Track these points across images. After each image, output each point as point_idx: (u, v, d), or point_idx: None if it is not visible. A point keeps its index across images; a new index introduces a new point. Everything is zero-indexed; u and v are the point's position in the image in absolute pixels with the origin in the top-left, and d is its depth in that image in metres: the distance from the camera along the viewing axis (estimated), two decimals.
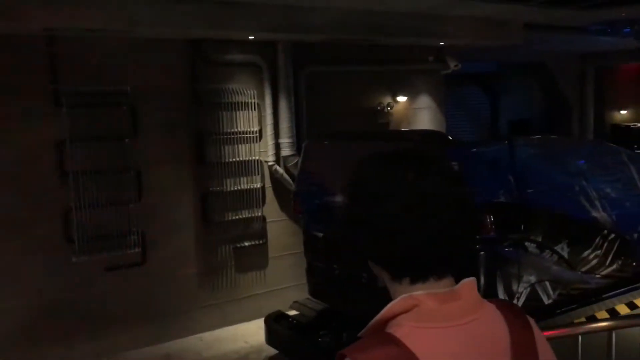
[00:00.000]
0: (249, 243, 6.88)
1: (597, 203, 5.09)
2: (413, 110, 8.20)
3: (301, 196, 5.86)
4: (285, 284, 7.05)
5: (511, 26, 7.41)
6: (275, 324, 5.66)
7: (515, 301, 4.53)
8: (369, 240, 1.13)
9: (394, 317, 1.09)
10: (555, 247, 4.78)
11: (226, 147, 6.65)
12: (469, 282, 1.14)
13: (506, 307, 1.19)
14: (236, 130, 6.72)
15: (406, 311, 1.08)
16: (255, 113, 6.82)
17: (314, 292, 5.80)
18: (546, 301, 4.76)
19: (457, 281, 1.14)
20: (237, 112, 6.72)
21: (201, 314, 6.52)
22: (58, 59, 5.65)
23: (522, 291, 4.63)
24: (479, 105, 11.23)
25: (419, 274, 1.12)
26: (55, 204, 5.69)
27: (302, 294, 6.86)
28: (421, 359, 1.03)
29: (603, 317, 4.80)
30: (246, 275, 6.91)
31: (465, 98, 10.73)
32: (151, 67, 6.18)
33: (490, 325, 1.13)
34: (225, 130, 6.63)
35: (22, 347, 5.54)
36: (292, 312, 5.89)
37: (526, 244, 4.64)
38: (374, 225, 1.11)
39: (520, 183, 4.62)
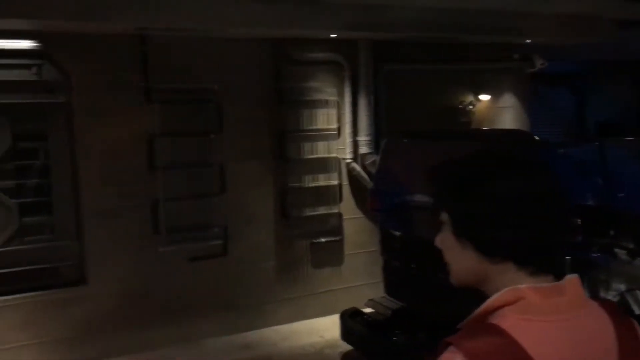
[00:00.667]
0: (325, 239, 6.96)
1: None
2: (496, 110, 8.00)
3: (378, 194, 5.87)
4: (360, 281, 7.07)
5: (603, 23, 7.08)
6: (351, 320, 5.69)
7: None
8: (477, 228, 1.17)
9: (497, 309, 1.10)
10: None
11: (305, 144, 6.76)
12: (574, 278, 1.14)
13: (610, 307, 1.18)
14: (315, 127, 6.81)
15: (510, 303, 1.10)
16: (334, 111, 6.89)
17: (390, 290, 5.79)
18: (637, 311, 4.52)
19: (558, 278, 1.15)
20: (317, 110, 6.81)
21: (278, 306, 6.66)
22: (149, 57, 5.93)
23: (610, 299, 4.37)
24: (566, 106, 10.79)
25: (522, 260, 1.15)
26: (144, 196, 5.98)
27: (377, 292, 6.85)
28: (527, 350, 1.04)
29: None
30: (322, 270, 7.00)
31: (551, 98, 10.33)
32: (236, 66, 6.36)
33: (595, 322, 1.13)
34: (305, 128, 6.74)
35: (108, 331, 5.86)
36: (368, 310, 5.91)
37: (616, 250, 4.46)
38: (484, 214, 1.15)
39: (611, 186, 4.47)
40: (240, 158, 6.41)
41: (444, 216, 1.24)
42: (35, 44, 5.51)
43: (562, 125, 10.46)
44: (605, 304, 1.18)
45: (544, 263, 1.14)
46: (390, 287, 5.77)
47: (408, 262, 5.38)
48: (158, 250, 5.98)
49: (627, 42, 7.70)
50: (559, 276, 1.14)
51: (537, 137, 4.99)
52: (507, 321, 1.08)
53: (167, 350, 5.96)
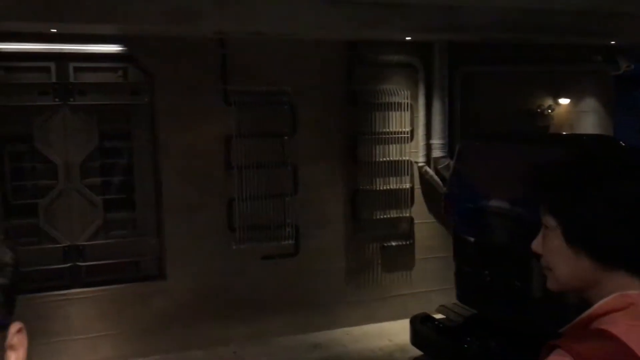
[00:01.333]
0: (396, 243, 6.92)
1: None
2: (576, 114, 7.71)
3: (453, 199, 5.78)
4: (430, 287, 6.98)
5: None
6: (421, 325, 5.64)
7: None
8: (590, 231, 1.15)
9: (604, 314, 1.08)
10: None
11: (377, 147, 6.75)
12: None
13: None
14: (388, 130, 6.79)
15: (620, 309, 1.07)
16: (407, 114, 6.84)
17: (462, 297, 5.69)
18: None
19: None
20: (390, 113, 6.79)
21: (348, 308, 6.68)
22: (228, 61, 6.11)
23: None
24: None
25: (635, 266, 1.13)
26: (221, 194, 6.16)
27: (447, 298, 6.73)
28: None
29: None
30: (392, 274, 6.96)
31: (638, 102, 9.85)
32: (309, 68, 6.45)
33: None
34: (377, 130, 6.73)
35: (182, 324, 6.06)
36: (439, 316, 5.83)
37: None
38: (598, 216, 1.14)
39: None
40: (312, 159, 6.49)
41: (550, 221, 1.20)
42: (121, 48, 5.81)
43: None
44: None
45: None
46: (462, 294, 5.67)
47: (481, 269, 5.26)
48: (232, 247, 6.14)
49: None
50: None
51: (622, 143, 4.77)
52: (617, 327, 1.05)
53: (238, 346, 6.11)
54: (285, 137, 6.32)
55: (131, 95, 6.11)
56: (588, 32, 6.45)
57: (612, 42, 7.14)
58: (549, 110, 7.47)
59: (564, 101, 7.56)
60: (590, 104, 7.76)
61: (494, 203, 4.99)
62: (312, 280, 6.55)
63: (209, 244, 6.15)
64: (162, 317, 6.01)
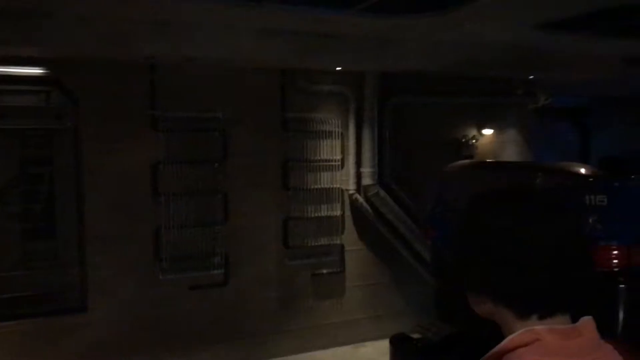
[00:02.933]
0: (327, 270, 6.93)
1: None
2: (499, 144, 8.03)
3: (434, 222, 5.93)
4: (361, 314, 7.03)
5: (608, 60, 7.15)
6: (401, 345, 5.71)
7: None
8: (498, 280, 1.15)
9: (513, 349, 1.10)
10: None
11: (309, 174, 6.78)
12: (589, 320, 1.14)
13: (622, 350, 1.17)
14: (320, 158, 6.84)
15: (526, 345, 1.09)
16: (338, 142, 6.92)
17: (442, 315, 5.82)
18: None
19: (574, 318, 1.14)
20: (322, 141, 6.85)
21: (280, 338, 6.60)
22: (157, 85, 6.00)
23: (624, 342, 4.43)
24: (571, 140, 10.82)
25: (547, 312, 1.13)
26: (148, 223, 5.98)
27: (378, 326, 6.82)
28: None
29: None
30: (323, 302, 6.95)
31: (555, 133, 10.38)
32: (242, 95, 6.42)
33: None
34: (309, 158, 6.77)
35: (110, 358, 5.81)
36: (416, 335, 5.91)
37: None
38: (508, 264, 1.13)
39: None
40: (244, 187, 6.43)
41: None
42: (44, 71, 5.59)
43: (567, 160, 10.45)
44: (619, 347, 1.18)
45: (556, 306, 1.13)
46: (442, 313, 5.80)
47: (462, 288, 5.45)
48: (159, 277, 5.96)
49: (631, 79, 7.75)
50: (579, 314, 1.14)
51: (597, 170, 5.03)
52: None
53: None
54: (216, 164, 6.24)
55: (55, 119, 5.87)
56: (511, 66, 6.78)
57: (531, 77, 7.52)
58: (473, 141, 7.76)
59: (488, 132, 7.87)
60: (511, 134, 8.12)
61: None
62: (243, 310, 6.44)
63: (135, 274, 5.94)
64: (85, 352, 5.73)
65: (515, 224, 1.14)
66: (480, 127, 7.84)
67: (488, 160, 6.47)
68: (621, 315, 4.35)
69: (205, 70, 6.14)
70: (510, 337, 1.12)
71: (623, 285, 4.33)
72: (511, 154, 8.04)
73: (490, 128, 7.89)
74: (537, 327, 1.10)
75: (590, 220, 4.40)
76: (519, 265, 1.12)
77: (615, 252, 4.36)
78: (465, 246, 1.21)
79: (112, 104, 5.84)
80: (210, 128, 6.22)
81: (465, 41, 6.21)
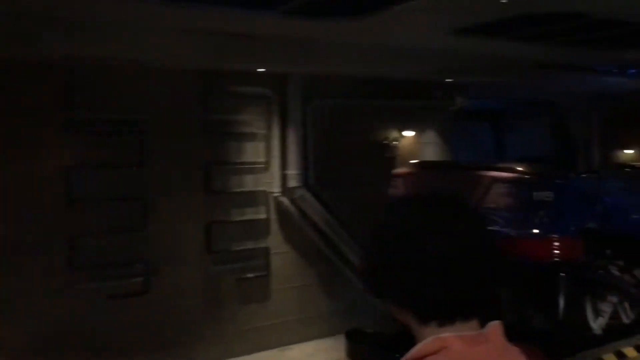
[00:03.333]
0: (253, 274, 6.84)
1: None
2: (420, 145, 8.22)
3: None
4: (287, 317, 6.99)
5: (520, 65, 7.46)
6: (357, 338, 5.73)
7: (601, 320, 5.08)
8: (401, 284, 1.14)
9: (421, 358, 1.09)
10: (634, 272, 5.30)
11: (233, 177, 6.67)
12: (496, 325, 1.14)
13: (530, 352, 1.19)
14: (243, 160, 6.75)
15: (433, 353, 1.08)
16: (262, 144, 6.86)
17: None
18: (625, 320, 5.20)
19: (483, 323, 1.14)
20: (245, 143, 6.77)
21: (203, 345, 6.45)
22: (72, 87, 5.72)
23: (606, 310, 5.13)
24: (486, 142, 11.24)
25: (446, 318, 1.13)
26: (62, 231, 5.68)
27: (306, 327, 6.81)
28: None
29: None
30: (249, 307, 6.85)
31: (472, 134, 10.75)
32: (163, 97, 6.24)
33: None
34: (232, 161, 6.66)
35: None
36: (369, 330, 5.94)
37: (610, 267, 5.13)
38: (407, 268, 1.12)
39: (607, 211, 5.15)
40: (164, 191, 6.24)
41: None
42: None
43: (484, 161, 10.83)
44: (526, 349, 1.19)
45: (454, 313, 1.13)
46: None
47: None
48: (75, 287, 5.67)
49: (543, 82, 8.14)
50: (487, 318, 1.15)
51: (546, 169, 5.46)
52: None
53: None
54: (135, 168, 6.01)
55: None
56: (429, 70, 6.95)
57: (450, 80, 7.74)
58: (396, 142, 7.90)
59: (408, 134, 8.04)
60: (431, 136, 8.33)
61: None
62: (165, 318, 6.24)
63: (49, 285, 5.63)
64: None
65: (414, 231, 1.14)
66: (402, 129, 7.99)
67: (441, 161, 6.79)
68: (562, 301, 4.83)
69: (123, 71, 5.91)
70: (418, 345, 1.12)
71: (564, 274, 4.83)
72: (432, 154, 8.24)
73: (412, 130, 8.06)
74: (445, 335, 1.10)
75: (538, 215, 4.86)
76: (414, 272, 1.11)
77: (558, 243, 4.83)
78: (371, 250, 1.20)
79: (23, 106, 5.51)
80: (128, 131, 6.00)
81: (386, 45, 6.31)
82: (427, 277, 1.10)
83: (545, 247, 4.87)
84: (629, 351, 4.84)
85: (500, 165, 6.31)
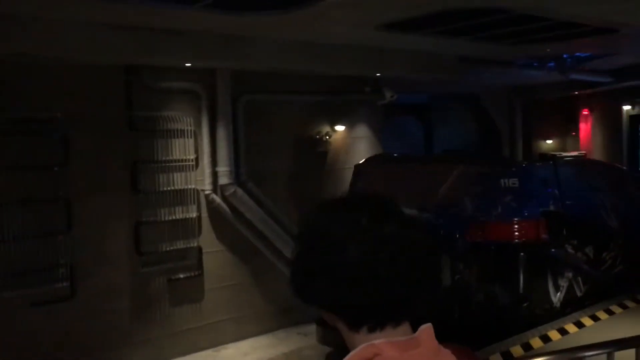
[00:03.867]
0: (184, 275, 6.69)
1: (611, 214, 6.30)
2: (351, 139, 8.29)
3: None
4: (221, 316, 6.89)
5: (444, 59, 7.65)
6: (327, 324, 5.70)
7: (559, 294, 5.52)
8: (324, 289, 1.10)
9: None
10: (585, 249, 5.87)
11: (161, 176, 6.50)
12: (427, 329, 1.13)
13: (461, 353, 1.19)
14: (172, 158, 6.58)
15: None
16: (191, 141, 6.71)
17: None
18: (578, 294, 5.71)
19: (415, 325, 1.13)
20: (173, 140, 6.60)
21: (134, 349, 6.26)
22: None
23: (564, 285, 5.57)
24: (415, 135, 11.49)
25: (376, 323, 1.10)
26: None
27: (242, 326, 6.75)
28: None
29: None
30: (181, 308, 6.70)
31: (402, 128, 10.96)
32: (85, 93, 6.00)
33: None
34: (160, 158, 6.48)
35: None
36: None
37: (566, 245, 5.66)
38: (330, 273, 1.09)
39: (562, 196, 5.69)
40: (89, 191, 6.00)
41: None
42: None
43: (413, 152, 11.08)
44: (457, 350, 1.20)
45: (383, 318, 1.10)
46: None
47: None
48: None
49: (464, 77, 8.36)
50: (418, 322, 1.13)
51: (509, 158, 5.93)
52: None
53: None
54: (56, 168, 5.75)
55: None
56: (357, 64, 7.00)
57: (378, 75, 7.83)
58: (327, 137, 7.92)
59: (340, 128, 8.08)
60: (362, 130, 8.41)
61: None
62: (92, 324, 6.01)
63: None
64: None
65: (336, 235, 1.09)
66: (333, 123, 8.02)
67: (400, 155, 7.14)
68: (522, 278, 5.28)
69: (41, 67, 5.63)
70: (350, 354, 1.09)
71: (523, 254, 5.29)
72: (363, 148, 8.33)
73: (342, 124, 8.10)
74: (377, 342, 1.08)
75: (505, 200, 5.41)
76: (337, 278, 1.08)
77: (526, 224, 5.35)
78: (296, 254, 1.16)
79: None
80: (48, 129, 5.72)
81: (313, 40, 6.32)
82: (350, 284, 1.07)
83: (514, 229, 5.34)
84: (586, 320, 5.39)
85: (470, 156, 6.83)
